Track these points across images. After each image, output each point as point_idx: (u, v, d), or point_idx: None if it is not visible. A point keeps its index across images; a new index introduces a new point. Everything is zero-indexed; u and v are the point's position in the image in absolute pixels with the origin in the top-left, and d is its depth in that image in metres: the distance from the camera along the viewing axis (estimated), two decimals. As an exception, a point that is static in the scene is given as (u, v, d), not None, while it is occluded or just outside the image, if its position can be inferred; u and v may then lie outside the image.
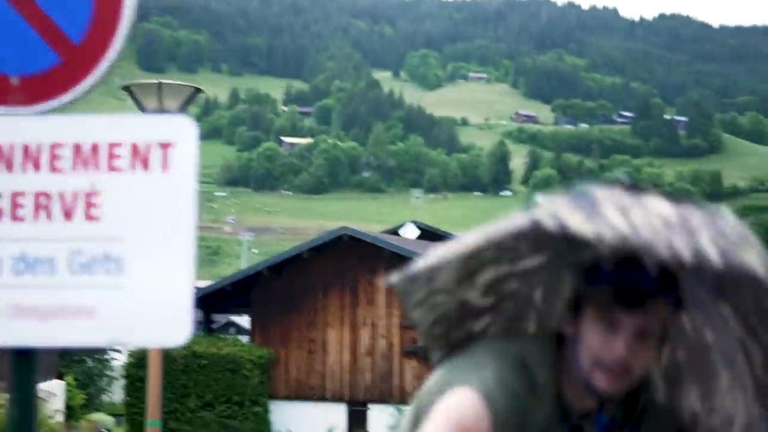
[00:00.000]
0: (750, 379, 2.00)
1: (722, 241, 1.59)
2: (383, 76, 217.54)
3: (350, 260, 26.88)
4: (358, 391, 26.64)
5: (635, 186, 1.74)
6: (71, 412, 24.42)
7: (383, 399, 26.30)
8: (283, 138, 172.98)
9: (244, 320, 32.02)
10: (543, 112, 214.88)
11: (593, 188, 1.71)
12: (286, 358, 26.60)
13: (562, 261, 2.05)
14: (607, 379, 1.84)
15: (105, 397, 30.70)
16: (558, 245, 2.02)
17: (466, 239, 1.91)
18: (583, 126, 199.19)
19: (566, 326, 1.94)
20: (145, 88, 8.46)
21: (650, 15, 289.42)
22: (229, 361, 23.96)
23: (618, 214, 1.63)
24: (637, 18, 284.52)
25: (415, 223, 36.09)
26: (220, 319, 43.94)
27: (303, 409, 26.25)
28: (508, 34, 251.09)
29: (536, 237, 1.96)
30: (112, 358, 29.70)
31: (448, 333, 2.19)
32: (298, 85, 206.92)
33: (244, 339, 28.23)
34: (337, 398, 26.58)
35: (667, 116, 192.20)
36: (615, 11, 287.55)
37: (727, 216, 1.66)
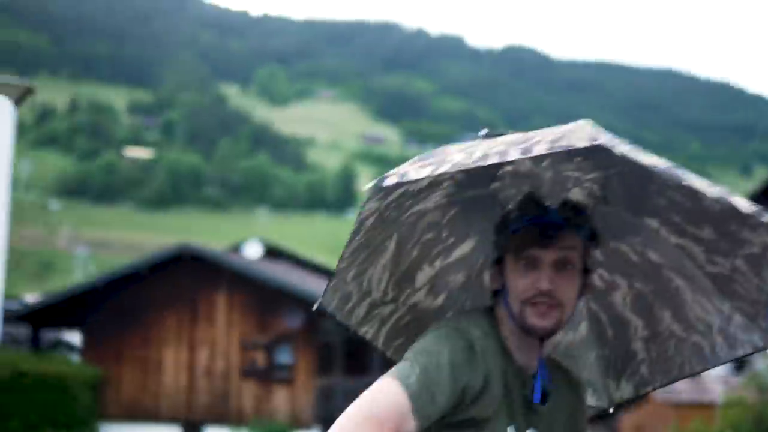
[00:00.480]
0: (704, 278, 2.11)
1: (553, 137, 1.73)
2: (231, 91, 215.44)
3: (190, 278, 26.09)
4: (194, 411, 25.82)
5: (497, 133, 1.91)
6: None
7: (220, 420, 25.59)
8: (124, 149, 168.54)
9: (75, 338, 30.64)
10: (391, 133, 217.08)
11: (451, 144, 1.84)
12: (119, 377, 25.55)
13: (490, 236, 2.10)
14: (538, 313, 1.91)
15: None
16: (481, 223, 2.14)
17: (372, 246, 1.96)
18: (430, 148, 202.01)
19: (493, 282, 2.01)
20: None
21: (497, 45, 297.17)
22: (56, 381, 22.75)
23: (457, 152, 1.76)
24: (484, 47, 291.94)
25: (259, 240, 35.51)
26: (50, 336, 42.11)
27: (136, 431, 25.27)
28: (358, 54, 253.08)
29: (456, 222, 2.09)
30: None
31: (410, 341, 2.13)
32: (142, 96, 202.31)
33: (76, 358, 26.98)
34: (172, 419, 25.70)
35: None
36: (462, 40, 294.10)
37: (575, 123, 1.81)
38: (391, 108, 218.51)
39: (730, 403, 13.30)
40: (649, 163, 1.70)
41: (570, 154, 1.98)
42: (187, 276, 26.00)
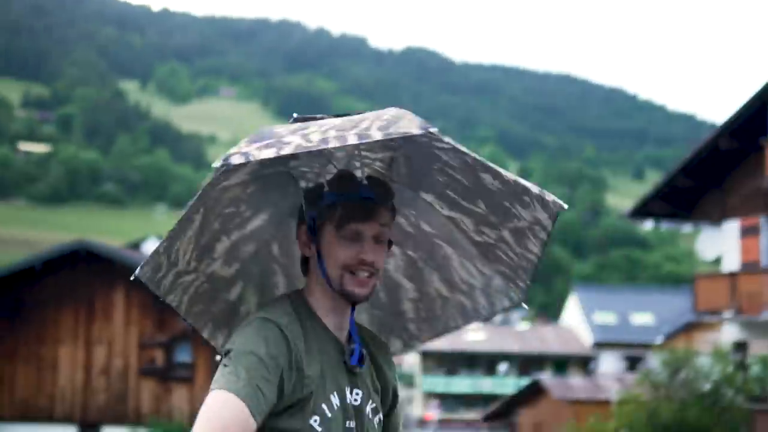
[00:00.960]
0: (469, 245, 2.41)
1: (381, 123, 1.90)
2: (130, 87, 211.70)
3: (87, 275, 25.57)
4: (90, 411, 25.32)
5: (309, 117, 2.10)
6: None
7: (118, 419, 25.15)
8: (19, 144, 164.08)
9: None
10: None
11: (271, 127, 1.96)
12: (11, 376, 24.89)
13: (283, 210, 2.36)
14: (358, 282, 2.12)
15: None
16: (275, 198, 2.34)
17: (188, 216, 2.09)
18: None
19: (305, 250, 2.20)
20: None
21: (398, 46, 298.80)
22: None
23: (291, 134, 1.91)
24: (385, 48, 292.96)
25: (158, 238, 35.06)
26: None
27: (30, 431, 24.65)
28: (260, 52, 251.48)
29: (254, 196, 2.28)
30: None
31: (208, 308, 2.39)
32: (38, 90, 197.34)
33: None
34: (67, 419, 25.16)
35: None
36: (364, 40, 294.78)
37: (389, 109, 1.98)
38: (293, 107, 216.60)
39: (625, 400, 13.63)
40: (447, 143, 2.07)
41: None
42: (83, 273, 25.48)
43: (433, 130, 1.94)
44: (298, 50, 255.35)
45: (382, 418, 2.25)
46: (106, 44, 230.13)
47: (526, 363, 58.57)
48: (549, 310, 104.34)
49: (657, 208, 27.15)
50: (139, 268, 2.18)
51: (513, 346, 58.28)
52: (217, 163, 1.89)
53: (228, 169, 2.05)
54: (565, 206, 2.24)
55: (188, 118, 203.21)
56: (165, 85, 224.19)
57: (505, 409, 52.23)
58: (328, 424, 2.08)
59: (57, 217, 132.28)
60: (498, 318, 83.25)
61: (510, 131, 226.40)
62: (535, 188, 2.18)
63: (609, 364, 54.28)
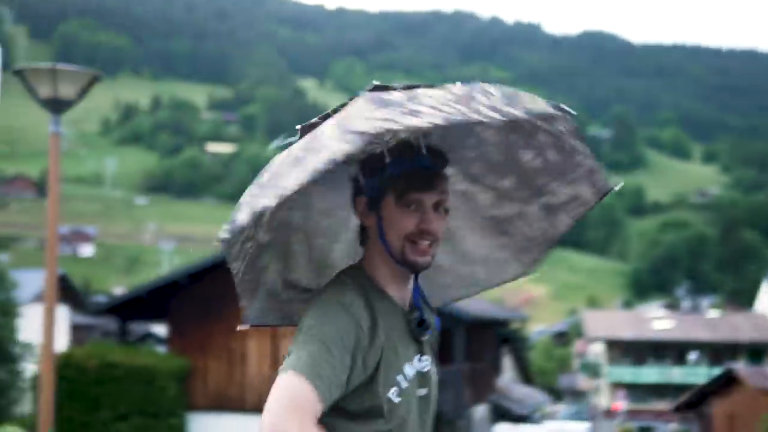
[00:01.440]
0: (480, 218, 2.41)
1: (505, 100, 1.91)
2: (308, 84, 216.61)
3: (273, 268, 26.23)
4: (279, 402, 25.98)
5: (388, 87, 2.08)
6: (-24, 425, 23.22)
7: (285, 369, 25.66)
8: (206, 145, 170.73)
9: (163, 330, 31.00)
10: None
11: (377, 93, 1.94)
12: (204, 368, 25.75)
13: (327, 183, 2.27)
14: (419, 251, 2.10)
15: (18, 409, 29.40)
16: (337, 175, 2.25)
17: (279, 188, 1.97)
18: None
19: (365, 221, 2.17)
20: (38, 74, 7.65)
21: (574, 31, 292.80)
22: (144, 372, 23.04)
23: (423, 106, 1.91)
24: (561, 34, 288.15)
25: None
26: (138, 329, 42.78)
27: (222, 421, 25.46)
28: (434, 45, 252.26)
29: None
30: (24, 368, 28.46)
31: (251, 276, 2.31)
32: (222, 92, 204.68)
33: (164, 350, 27.30)
34: (257, 409, 25.81)
35: (591, 130, 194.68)
36: (539, 27, 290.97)
37: (472, 86, 2.01)
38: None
39: None
40: (506, 112, 1.96)
41: None
42: (269, 267, 26.16)
43: (565, 108, 1.98)
44: (471, 41, 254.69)
45: (434, 389, 2.25)
46: (285, 44, 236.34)
47: (717, 352, 56.27)
48: (739, 297, 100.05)
49: None
50: (227, 229, 2.09)
51: (703, 334, 56.08)
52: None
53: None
54: (617, 187, 2.24)
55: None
56: (342, 82, 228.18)
57: (697, 399, 50.33)
58: (404, 394, 2.07)
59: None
60: (686, 305, 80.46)
61: (693, 113, 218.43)
62: (593, 163, 2.21)
63: (809, 352, 51.53)
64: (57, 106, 7.74)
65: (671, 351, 57.41)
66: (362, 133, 1.79)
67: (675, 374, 56.87)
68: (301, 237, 2.39)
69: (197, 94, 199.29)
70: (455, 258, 2.48)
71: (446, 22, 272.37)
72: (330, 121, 1.94)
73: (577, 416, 48.64)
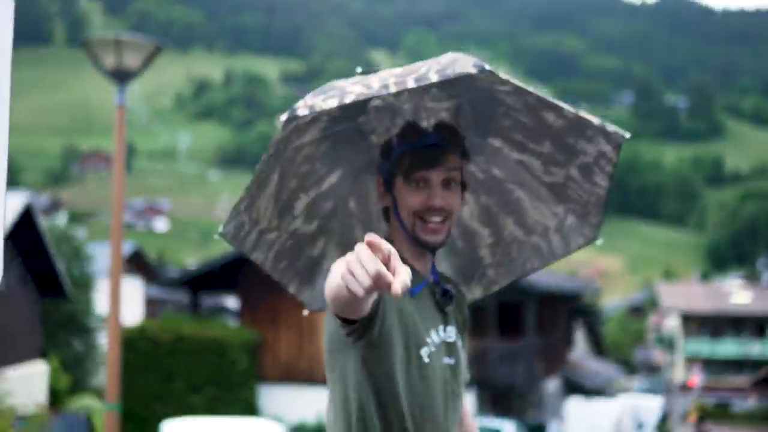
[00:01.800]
0: (540, 186, 2.46)
1: (438, 67, 1.91)
2: (380, 56, 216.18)
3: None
4: (349, 375, 26.03)
5: (373, 70, 2.09)
6: (56, 396, 23.70)
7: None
8: (278, 119, 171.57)
9: (235, 304, 31.29)
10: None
11: (334, 81, 2.03)
12: (275, 340, 25.91)
13: (357, 166, 2.42)
14: (429, 230, 2.15)
15: (94, 380, 29.98)
16: (348, 155, 2.39)
17: (265, 175, 2.15)
18: (583, 107, 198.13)
19: (382, 201, 2.25)
20: (103, 44, 7.62)
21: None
22: (215, 344, 23.25)
23: (352, 85, 1.96)
24: (638, 1, 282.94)
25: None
26: (210, 302, 43.30)
27: (293, 393, 25.61)
28: (506, 14, 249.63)
29: (327, 154, 2.32)
30: (100, 340, 28.99)
31: (293, 265, 2.47)
32: (294, 65, 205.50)
33: (235, 323, 27.56)
34: (326, 381, 25.94)
35: (667, 99, 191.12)
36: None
37: (447, 54, 1.99)
38: (542, 67, 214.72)
39: None
40: (510, 84, 2.03)
41: (427, 87, 2.22)
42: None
43: (489, 67, 1.91)
44: (545, 9, 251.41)
45: (462, 356, 2.29)
46: (356, 16, 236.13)
47: (798, 326, 55.00)
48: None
49: None
50: (221, 226, 2.23)
51: (783, 307, 54.84)
52: (283, 117, 1.93)
53: (296, 124, 2.09)
54: (627, 134, 2.24)
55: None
56: (413, 53, 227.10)
57: (776, 374, 49.38)
58: (432, 360, 2.12)
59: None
60: (766, 278, 78.79)
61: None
62: (595, 120, 2.18)
63: None
64: (121, 76, 7.72)
65: (750, 325, 56.26)
66: (289, 115, 1.93)
67: (753, 349, 55.74)
68: (358, 224, 2.50)
69: (269, 68, 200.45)
70: (526, 230, 2.54)
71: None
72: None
73: (651, 390, 48.07)
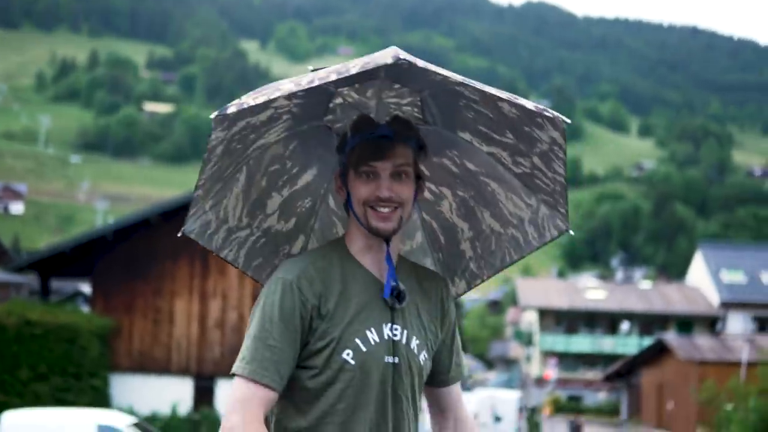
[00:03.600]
0: (512, 178, 2.47)
1: (364, 61, 2.02)
2: (250, 46, 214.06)
3: (202, 227, 25.59)
4: (205, 364, 25.40)
5: (317, 68, 2.17)
6: None
7: (232, 374, 25.14)
8: (144, 104, 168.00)
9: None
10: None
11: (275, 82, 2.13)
12: (129, 328, 25.13)
13: (331, 164, 2.46)
14: (380, 217, 2.21)
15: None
16: (319, 153, 2.46)
17: (228, 174, 2.27)
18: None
19: (340, 194, 2.31)
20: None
21: (518, 2, 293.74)
22: (66, 331, 22.36)
23: (287, 83, 2.05)
24: (505, 3, 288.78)
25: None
26: (67, 287, 41.81)
27: (146, 383, 24.89)
28: (378, 10, 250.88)
29: (297, 153, 2.41)
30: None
31: (269, 261, 2.52)
32: (162, 51, 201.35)
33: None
34: (183, 372, 25.30)
35: (531, 101, 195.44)
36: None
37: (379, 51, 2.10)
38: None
39: None
40: (445, 74, 2.05)
41: (390, 82, 2.29)
42: (199, 226, 25.51)
43: (404, 56, 2.01)
44: (416, 7, 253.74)
45: (428, 356, 2.31)
46: (227, 5, 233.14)
47: (648, 322, 56.96)
48: (671, 270, 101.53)
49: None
50: (185, 224, 2.31)
51: (635, 305, 56.69)
52: (212, 114, 2.03)
53: (249, 122, 2.17)
54: (568, 120, 2.27)
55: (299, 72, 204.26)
56: (284, 45, 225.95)
57: (627, 369, 50.86)
58: (362, 358, 2.17)
59: (180, 176, 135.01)
60: (619, 276, 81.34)
61: (632, 87, 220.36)
62: (539, 107, 2.21)
63: (737, 324, 52.24)
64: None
65: (603, 321, 57.99)
66: (218, 113, 2.03)
67: (606, 344, 57.47)
68: (339, 221, 2.58)
69: (136, 53, 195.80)
70: (502, 222, 2.54)
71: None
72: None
73: (507, 384, 48.91)
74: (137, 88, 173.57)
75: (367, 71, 2.02)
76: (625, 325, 57.84)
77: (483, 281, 2.64)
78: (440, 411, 2.46)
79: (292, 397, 2.18)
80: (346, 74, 1.96)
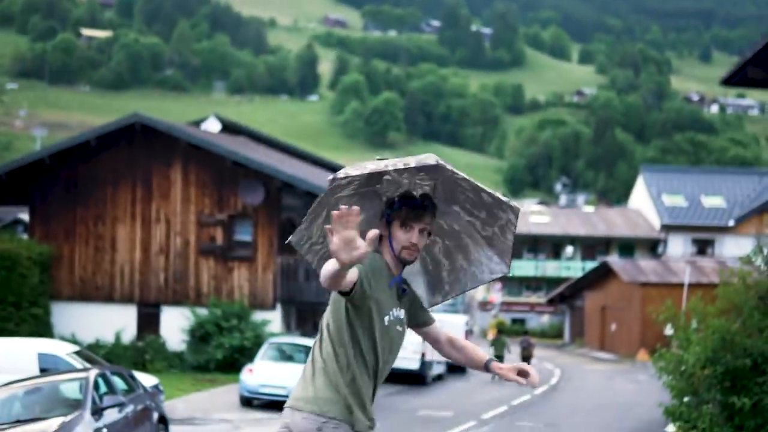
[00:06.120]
0: (480, 237, 4.06)
1: (417, 158, 3.67)
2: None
3: (144, 151, 24.97)
4: (149, 291, 25.02)
5: (382, 158, 3.77)
6: None
7: (177, 300, 24.83)
8: (81, 30, 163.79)
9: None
10: (352, 17, 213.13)
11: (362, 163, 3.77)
12: (70, 255, 24.61)
13: (371, 214, 3.96)
14: (409, 254, 3.78)
15: None
16: (367, 206, 3.91)
17: (317, 211, 3.83)
18: (392, 33, 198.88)
19: (382, 230, 3.83)
20: None
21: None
22: (3, 259, 21.79)
23: (372, 164, 3.70)
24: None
25: (217, 116, 34.31)
26: (5, 216, 40.84)
27: (89, 311, 24.47)
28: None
29: (354, 203, 3.76)
30: None
31: None
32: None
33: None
34: (126, 299, 24.91)
35: (473, 27, 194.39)
36: None
37: (425, 154, 3.69)
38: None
39: (730, 281, 12.21)
40: (462, 176, 3.74)
41: (417, 171, 3.76)
42: (140, 149, 24.89)
43: (442, 162, 3.64)
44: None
45: (405, 328, 3.94)
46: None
47: (591, 246, 57.55)
48: (611, 195, 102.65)
49: (734, 84, 25.32)
50: (291, 236, 3.89)
51: (578, 229, 57.15)
52: (329, 177, 3.69)
53: (338, 183, 3.71)
54: (521, 208, 4.00)
55: (247, 2, 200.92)
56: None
57: (570, 292, 51.53)
58: (389, 324, 3.78)
59: (120, 102, 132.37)
60: (563, 200, 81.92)
61: (573, 13, 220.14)
62: (504, 198, 3.84)
63: (678, 247, 52.99)
64: None
65: (546, 245, 58.44)
66: (333, 177, 3.71)
67: (549, 267, 58.02)
68: (325, 207, 3.93)
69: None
70: (469, 262, 4.11)
71: None
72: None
73: (452, 309, 49.12)
74: (74, 13, 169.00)
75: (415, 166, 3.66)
76: (568, 249, 58.37)
77: (452, 297, 4.24)
78: (436, 341, 4.05)
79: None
80: (406, 166, 3.62)
